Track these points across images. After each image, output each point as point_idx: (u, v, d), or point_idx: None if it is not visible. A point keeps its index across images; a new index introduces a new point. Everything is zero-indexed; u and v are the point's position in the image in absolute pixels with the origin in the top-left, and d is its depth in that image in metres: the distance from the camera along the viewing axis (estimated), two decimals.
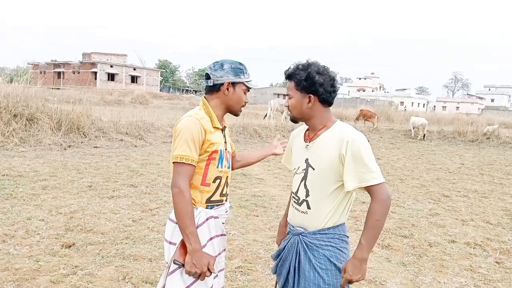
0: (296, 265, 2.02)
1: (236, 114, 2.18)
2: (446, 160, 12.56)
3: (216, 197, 2.10)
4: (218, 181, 2.09)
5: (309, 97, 1.98)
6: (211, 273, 1.97)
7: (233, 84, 2.08)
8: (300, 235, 2.03)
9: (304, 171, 2.03)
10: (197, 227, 1.98)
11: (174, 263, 2.00)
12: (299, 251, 2.02)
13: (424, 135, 19.08)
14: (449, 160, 12.72)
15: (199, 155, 2.01)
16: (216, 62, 2.10)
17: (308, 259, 1.98)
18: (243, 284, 3.58)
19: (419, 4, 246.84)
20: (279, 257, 2.16)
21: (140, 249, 4.16)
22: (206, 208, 2.06)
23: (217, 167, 2.07)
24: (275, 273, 2.22)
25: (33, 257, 3.81)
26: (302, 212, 2.03)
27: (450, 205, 6.82)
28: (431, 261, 4.35)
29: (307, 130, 2.12)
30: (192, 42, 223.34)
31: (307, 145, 2.04)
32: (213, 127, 2.06)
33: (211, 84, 2.08)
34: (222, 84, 2.07)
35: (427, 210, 6.41)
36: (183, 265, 1.96)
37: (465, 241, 5.02)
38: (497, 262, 4.41)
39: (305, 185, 2.02)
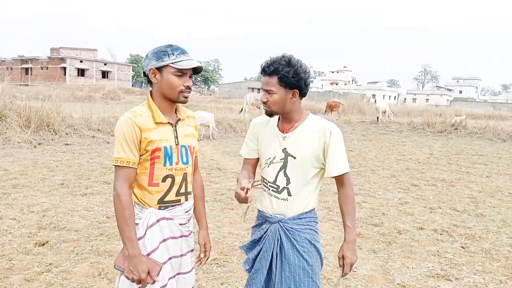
0: (278, 252, 2.09)
1: (178, 101, 1.96)
2: (416, 151, 12.91)
3: (171, 197, 1.97)
4: (169, 180, 1.96)
5: (294, 92, 2.03)
6: (154, 281, 1.86)
7: (159, 69, 1.89)
8: (280, 222, 2.09)
9: (282, 160, 2.09)
10: (147, 229, 1.91)
11: (115, 268, 1.94)
12: (281, 237, 2.09)
13: (377, 118, 21.36)
14: (419, 150, 13.08)
15: (141, 155, 1.91)
16: None
17: (291, 243, 2.07)
18: (219, 275, 3.65)
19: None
20: (257, 249, 2.14)
21: (115, 245, 4.16)
22: (159, 209, 1.95)
23: (164, 165, 1.93)
24: (250, 268, 2.16)
25: (5, 256, 3.77)
26: (282, 199, 2.10)
27: (419, 194, 7.06)
28: (400, 248, 4.52)
29: (278, 121, 2.15)
30: (164, 35, 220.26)
31: (285, 136, 2.09)
32: (155, 123, 1.92)
33: (145, 76, 1.97)
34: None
35: (397, 199, 6.62)
36: (123, 271, 1.90)
37: (432, 227, 5.22)
38: (462, 247, 4.62)
39: (285, 173, 2.09)
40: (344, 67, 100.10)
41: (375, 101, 42.02)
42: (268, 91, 2.02)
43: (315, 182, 2.13)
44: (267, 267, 2.10)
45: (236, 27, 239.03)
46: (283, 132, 2.11)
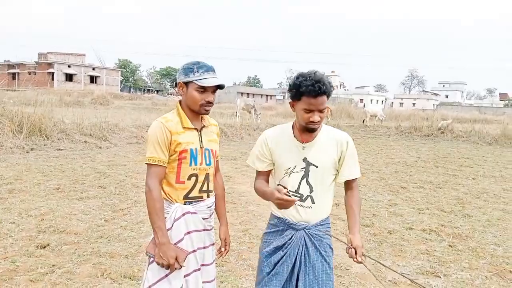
0: (302, 258, 2.19)
1: (199, 113, 2.18)
2: (404, 154, 13.19)
3: (195, 193, 2.19)
4: (194, 178, 2.18)
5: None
6: (181, 266, 2.07)
7: (186, 84, 2.12)
8: (305, 229, 2.21)
9: (304, 169, 2.20)
10: (174, 221, 2.11)
11: (146, 254, 2.14)
12: (306, 244, 2.20)
13: (363, 120, 23.11)
14: (406, 154, 13.35)
15: (170, 156, 2.13)
16: None
17: (316, 249, 2.20)
18: (219, 274, 3.77)
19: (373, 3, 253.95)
20: (280, 254, 2.22)
21: (116, 246, 4.27)
22: (184, 204, 2.17)
23: (190, 165, 2.15)
24: (270, 271, 2.24)
25: (8, 258, 3.85)
26: (306, 207, 2.20)
27: (408, 196, 7.27)
28: (391, 247, 4.70)
29: (293, 130, 2.22)
30: (153, 41, 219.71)
31: (304, 146, 2.20)
32: (183, 128, 2.15)
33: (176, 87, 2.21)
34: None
35: (387, 201, 6.81)
36: (154, 257, 2.09)
37: (421, 227, 5.42)
38: (450, 246, 4.81)
39: (307, 182, 2.20)
40: (332, 72, 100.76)
41: (364, 105, 42.69)
42: (322, 110, 2.09)
43: (332, 189, 2.27)
44: (289, 271, 2.21)
45: (224, 30, 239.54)
46: (302, 142, 2.20)
